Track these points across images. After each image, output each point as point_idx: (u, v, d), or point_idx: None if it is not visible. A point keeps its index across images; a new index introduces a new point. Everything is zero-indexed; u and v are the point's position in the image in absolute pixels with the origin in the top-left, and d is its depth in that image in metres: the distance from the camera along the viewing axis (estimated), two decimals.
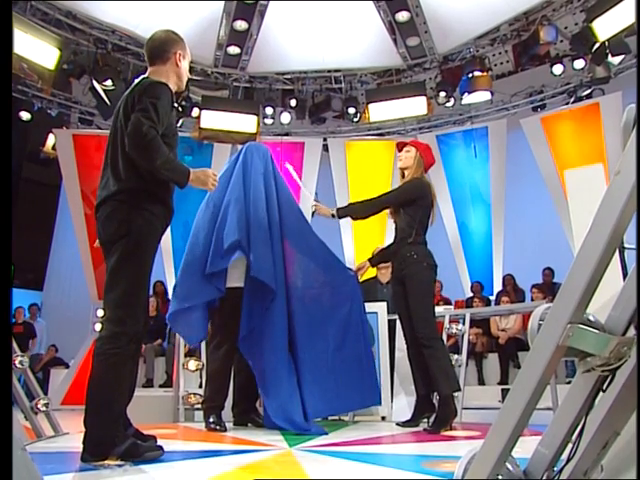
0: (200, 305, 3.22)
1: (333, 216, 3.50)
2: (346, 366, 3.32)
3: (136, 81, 2.26)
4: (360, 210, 3.55)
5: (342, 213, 3.53)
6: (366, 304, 4.15)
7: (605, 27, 6.37)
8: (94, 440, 2.00)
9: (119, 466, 1.97)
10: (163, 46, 2.32)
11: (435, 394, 3.36)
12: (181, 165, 2.18)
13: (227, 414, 3.35)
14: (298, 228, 3.45)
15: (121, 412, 2.14)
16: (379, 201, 3.49)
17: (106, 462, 2.00)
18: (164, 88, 2.19)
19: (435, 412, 3.25)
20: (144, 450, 2.10)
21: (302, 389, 3.13)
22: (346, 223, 8.65)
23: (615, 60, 7.14)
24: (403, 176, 3.52)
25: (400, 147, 3.56)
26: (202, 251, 3.20)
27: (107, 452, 2.01)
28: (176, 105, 7.78)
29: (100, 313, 7.79)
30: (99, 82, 7.21)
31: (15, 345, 2.94)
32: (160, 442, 2.24)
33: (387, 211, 3.55)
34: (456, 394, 3.57)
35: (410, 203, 3.35)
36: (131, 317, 2.08)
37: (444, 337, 4.12)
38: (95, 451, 2.00)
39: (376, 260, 3.76)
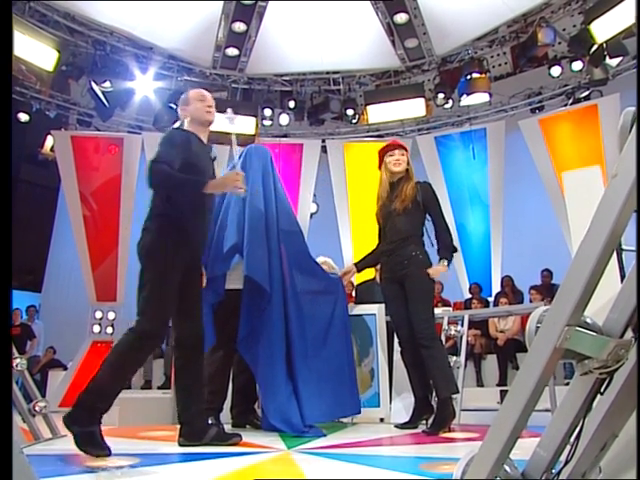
0: (204, 309, 3.22)
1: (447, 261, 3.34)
2: (331, 372, 3.32)
3: None
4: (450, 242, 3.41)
5: (448, 254, 3.36)
6: (364, 305, 4.17)
7: (603, 29, 6.39)
8: (80, 404, 2.26)
9: (117, 468, 1.97)
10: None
11: (433, 395, 3.36)
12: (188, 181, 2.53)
13: (225, 416, 3.35)
14: (291, 232, 3.44)
15: (105, 392, 2.31)
16: (444, 224, 3.39)
17: (104, 464, 2.01)
18: (170, 132, 2.70)
19: (433, 414, 3.25)
20: (97, 443, 2.21)
21: (298, 393, 3.13)
22: (344, 224, 8.67)
23: (613, 62, 7.15)
24: (392, 182, 3.44)
25: (389, 150, 3.47)
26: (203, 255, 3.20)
27: (81, 422, 2.21)
28: (174, 107, 7.81)
29: (98, 315, 7.78)
30: (98, 83, 7.21)
31: (13, 347, 2.94)
32: (158, 444, 2.24)
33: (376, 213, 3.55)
34: (455, 395, 3.58)
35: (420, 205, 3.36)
36: (143, 317, 2.40)
37: (442, 338, 4.12)
38: (75, 416, 2.22)
39: (362, 264, 3.72)
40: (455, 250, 3.39)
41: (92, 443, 2.20)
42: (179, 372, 2.63)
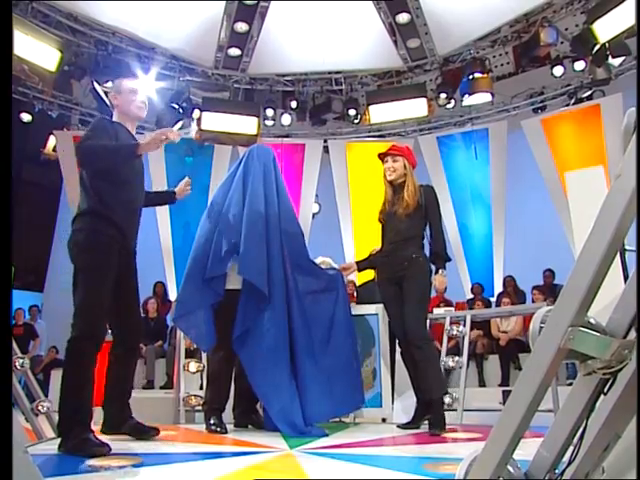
0: (204, 309, 3.23)
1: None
2: (337, 368, 3.33)
3: None
4: (443, 250, 3.41)
5: (442, 264, 3.38)
6: (366, 305, 4.17)
7: (605, 29, 6.39)
8: (63, 431, 2.36)
9: (120, 468, 1.98)
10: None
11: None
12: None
13: (228, 415, 3.35)
14: (291, 232, 3.43)
15: (77, 409, 2.37)
16: (441, 231, 3.41)
17: (106, 464, 2.01)
18: (98, 120, 2.69)
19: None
20: (94, 444, 2.27)
21: (304, 391, 3.13)
22: (346, 224, 8.67)
23: (615, 62, 7.15)
24: (392, 186, 3.43)
25: (382, 158, 3.47)
26: (203, 255, 3.21)
27: (73, 438, 2.28)
28: (176, 107, 7.82)
29: None
30: (100, 84, 7.22)
31: (16, 347, 2.94)
32: (160, 444, 2.25)
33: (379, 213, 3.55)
34: (457, 396, 3.58)
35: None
36: (81, 319, 2.38)
37: (445, 338, 4.12)
38: (64, 440, 2.32)
39: (364, 265, 3.71)
40: (449, 259, 3.40)
41: (89, 446, 2.25)
42: (112, 366, 2.68)
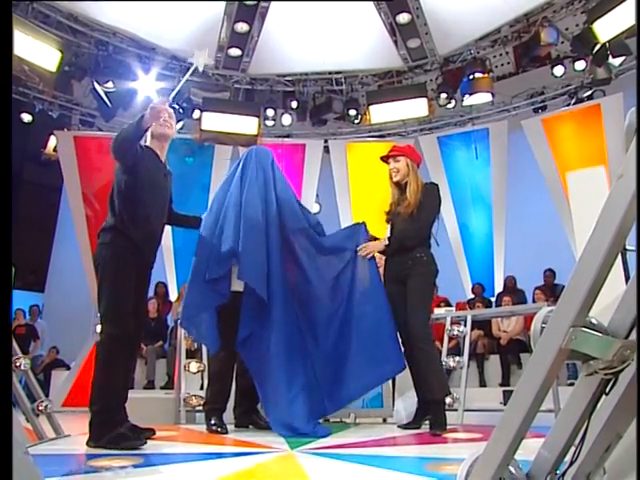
0: (210, 311, 3.22)
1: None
2: (376, 329, 3.30)
3: None
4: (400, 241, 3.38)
5: (393, 247, 3.38)
6: None
7: (606, 28, 6.38)
8: (95, 428, 2.51)
9: (121, 468, 1.98)
10: None
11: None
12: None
13: (228, 415, 3.35)
14: (298, 229, 3.42)
15: (110, 405, 2.57)
16: (425, 225, 3.36)
17: (107, 464, 2.01)
18: None
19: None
20: (129, 438, 2.46)
21: (322, 381, 3.18)
22: (347, 223, 8.66)
23: (616, 61, 7.14)
24: (399, 186, 3.45)
25: (385, 160, 3.49)
26: (205, 257, 3.20)
27: (94, 437, 2.48)
28: (177, 107, 7.82)
29: None
30: (100, 84, 7.22)
31: (16, 347, 2.94)
32: (161, 444, 2.25)
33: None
34: (457, 396, 3.57)
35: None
36: (109, 323, 2.66)
37: (445, 339, 4.12)
38: (97, 437, 2.48)
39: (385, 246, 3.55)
40: (402, 250, 3.34)
41: (125, 440, 2.43)
42: (106, 364, 2.71)
